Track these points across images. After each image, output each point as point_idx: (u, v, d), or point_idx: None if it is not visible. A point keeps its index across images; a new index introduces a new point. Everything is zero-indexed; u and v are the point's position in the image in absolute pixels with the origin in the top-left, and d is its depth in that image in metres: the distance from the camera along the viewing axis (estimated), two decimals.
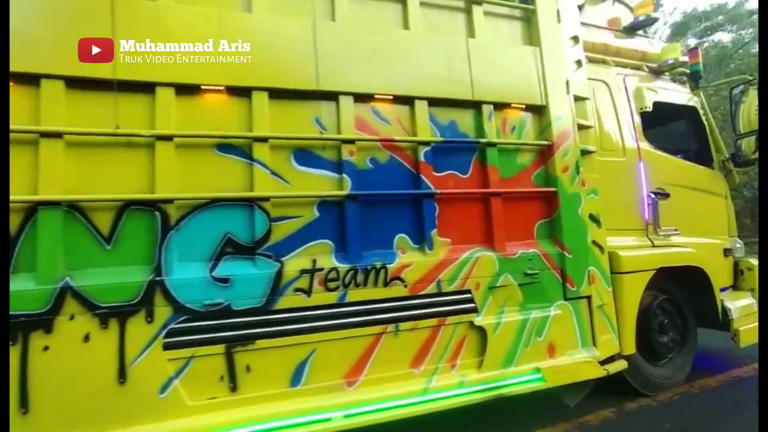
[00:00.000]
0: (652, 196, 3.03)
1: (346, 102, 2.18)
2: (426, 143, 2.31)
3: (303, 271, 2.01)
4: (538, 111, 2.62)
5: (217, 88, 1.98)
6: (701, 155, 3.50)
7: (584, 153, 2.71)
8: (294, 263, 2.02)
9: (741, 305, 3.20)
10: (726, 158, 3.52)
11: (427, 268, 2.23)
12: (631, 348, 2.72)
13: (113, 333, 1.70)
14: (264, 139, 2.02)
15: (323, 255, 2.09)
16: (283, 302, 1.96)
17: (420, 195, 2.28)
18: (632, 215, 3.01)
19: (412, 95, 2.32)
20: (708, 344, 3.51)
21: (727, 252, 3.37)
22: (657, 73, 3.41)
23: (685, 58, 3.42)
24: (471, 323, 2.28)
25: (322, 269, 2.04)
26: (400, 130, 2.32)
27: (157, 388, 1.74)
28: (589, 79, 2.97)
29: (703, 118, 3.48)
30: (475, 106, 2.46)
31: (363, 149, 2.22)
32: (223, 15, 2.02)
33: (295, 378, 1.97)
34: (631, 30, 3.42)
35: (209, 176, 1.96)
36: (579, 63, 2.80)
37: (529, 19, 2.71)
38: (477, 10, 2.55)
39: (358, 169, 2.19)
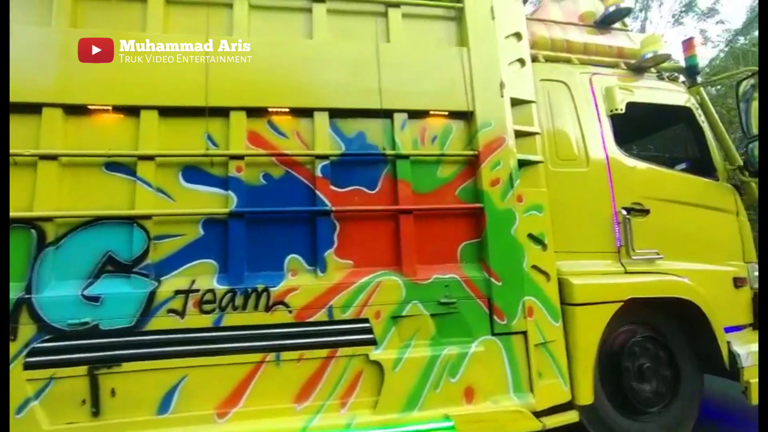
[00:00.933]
0: (623, 213, 2.53)
1: (237, 117, 2.12)
2: (324, 157, 2.16)
3: (177, 292, 1.93)
4: (466, 118, 2.34)
5: (105, 107, 2.03)
6: (702, 164, 2.89)
7: (526, 164, 2.36)
8: (172, 283, 1.96)
9: (755, 351, 2.51)
10: (736, 167, 2.86)
11: (316, 292, 2.03)
12: (587, 397, 2.23)
13: None
14: (150, 157, 2.02)
15: (205, 275, 2.00)
16: (154, 323, 1.89)
17: (314, 212, 2.11)
18: (600, 235, 2.53)
19: (311, 107, 2.19)
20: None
21: (739, 282, 2.69)
22: (638, 70, 2.91)
23: (668, 53, 2.88)
24: (367, 357, 2.02)
25: (197, 290, 1.95)
26: (299, 144, 2.19)
27: (14, 408, 1.75)
28: (542, 80, 2.64)
29: (700, 120, 2.88)
30: (387, 115, 2.26)
31: (254, 165, 2.13)
32: (118, 35, 2.08)
33: (164, 405, 1.87)
34: (602, 24, 2.98)
35: (96, 195, 1.99)
36: (522, 62, 2.48)
37: (460, 19, 2.47)
38: (394, 13, 2.38)
39: (247, 186, 2.09)
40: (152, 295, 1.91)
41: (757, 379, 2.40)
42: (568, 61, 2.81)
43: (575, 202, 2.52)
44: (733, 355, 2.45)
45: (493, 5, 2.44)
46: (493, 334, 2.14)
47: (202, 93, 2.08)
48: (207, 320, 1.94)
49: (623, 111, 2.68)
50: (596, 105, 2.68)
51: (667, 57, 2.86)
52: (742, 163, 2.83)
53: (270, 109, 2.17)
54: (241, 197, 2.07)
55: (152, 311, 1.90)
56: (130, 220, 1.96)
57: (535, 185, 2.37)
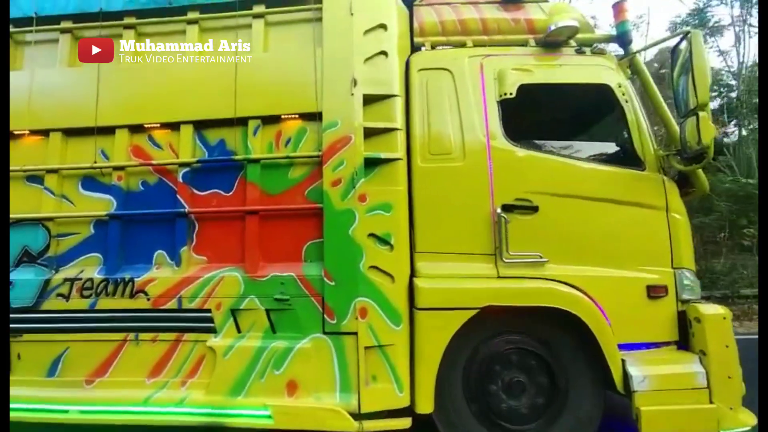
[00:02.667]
0: (498, 211, 2.27)
1: (121, 133, 2.50)
2: (186, 164, 2.42)
3: (66, 279, 2.39)
4: (315, 119, 2.37)
5: (23, 131, 2.57)
6: (625, 151, 2.41)
7: (381, 162, 2.30)
8: (65, 272, 2.42)
9: (659, 374, 2.06)
10: (668, 154, 2.33)
11: (170, 283, 2.31)
12: (427, 406, 2.11)
13: None
14: (54, 170, 2.51)
15: (91, 267, 2.43)
16: (47, 304, 2.38)
17: (173, 214, 2.39)
18: (477, 235, 2.31)
19: (177, 120, 2.46)
20: None
21: (654, 291, 2.21)
22: (551, 45, 2.53)
23: (573, 23, 2.43)
24: (206, 343, 2.24)
25: (80, 279, 2.38)
26: (171, 154, 2.48)
27: None
28: (421, 70, 2.50)
29: (622, 98, 2.39)
30: (242, 122, 2.42)
31: (134, 174, 2.49)
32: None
33: (51, 370, 2.35)
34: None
35: (20, 202, 2.53)
36: (385, 54, 2.39)
37: (320, 20, 2.49)
38: (257, 24, 2.51)
39: (125, 192, 2.46)
40: (47, 281, 2.39)
41: (650, 407, 1.99)
42: (462, 44, 2.60)
43: (448, 200, 2.35)
44: (627, 376, 2.06)
45: (353, 1, 2.41)
46: (324, 333, 2.17)
47: (93, 115, 2.50)
48: (85, 303, 2.36)
49: (513, 95, 2.40)
50: (484, 91, 2.44)
51: (573, 28, 2.43)
52: (676, 149, 2.30)
53: (146, 125, 2.50)
54: (120, 202, 2.45)
55: (46, 294, 2.38)
56: (38, 221, 2.48)
57: (391, 183, 2.29)
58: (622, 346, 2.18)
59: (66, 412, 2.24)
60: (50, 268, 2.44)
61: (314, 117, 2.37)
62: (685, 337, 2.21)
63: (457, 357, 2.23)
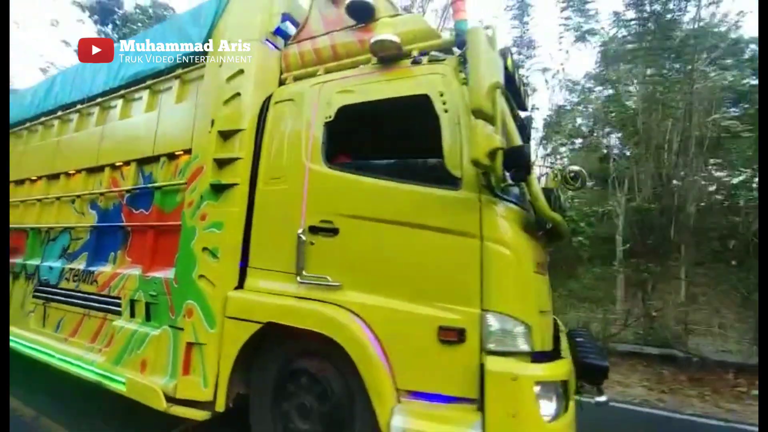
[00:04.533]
0: (299, 232, 2.34)
1: (107, 170, 3.63)
2: (127, 191, 3.34)
3: (71, 269, 3.58)
4: (190, 154, 2.94)
5: (71, 171, 3.99)
6: (440, 167, 2.11)
7: (228, 187, 2.70)
8: (72, 264, 3.64)
9: (418, 431, 1.74)
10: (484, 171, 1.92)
11: (107, 277, 3.23)
12: (220, 405, 2.34)
13: None
14: (78, 196, 3.83)
15: (82, 261, 3.58)
16: (62, 284, 3.61)
17: (117, 226, 3.33)
18: (284, 255, 2.42)
19: (128, 159, 3.42)
20: None
21: (446, 334, 1.87)
22: (388, 61, 2.45)
23: (388, 37, 2.24)
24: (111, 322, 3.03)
25: (76, 269, 3.54)
26: (123, 182, 3.47)
27: None
28: (276, 102, 2.81)
29: (441, 108, 2.10)
30: (156, 159, 3.19)
31: (109, 198, 3.56)
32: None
33: (56, 328, 3.56)
34: (353, 18, 2.64)
35: (67, 216, 3.94)
36: (239, 95, 2.80)
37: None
38: (175, 83, 3.28)
39: (102, 210, 3.55)
40: (63, 269, 3.64)
41: None
42: (314, 74, 2.78)
43: (275, 220, 2.56)
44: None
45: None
46: (169, 326, 2.67)
47: (95, 156, 3.72)
48: (73, 286, 3.50)
49: (332, 118, 2.46)
50: (314, 117, 2.57)
51: (390, 43, 2.30)
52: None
53: (116, 164, 3.56)
54: (99, 217, 3.55)
55: (62, 278, 3.62)
56: (68, 229, 3.80)
57: (228, 206, 2.66)
58: (414, 394, 1.95)
59: (52, 357, 3.37)
60: (68, 260, 3.70)
61: (189, 152, 2.97)
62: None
63: (268, 369, 2.39)
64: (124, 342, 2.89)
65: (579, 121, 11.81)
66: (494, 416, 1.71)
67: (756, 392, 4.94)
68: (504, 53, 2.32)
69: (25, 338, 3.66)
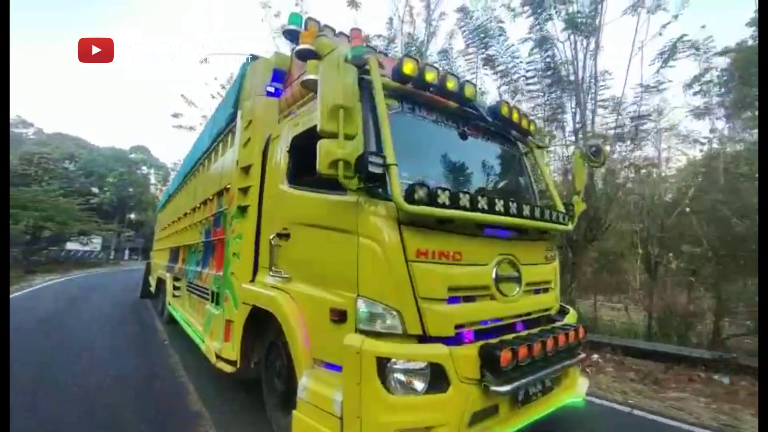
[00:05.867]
0: (270, 237, 3.07)
1: (207, 202, 5.29)
2: (213, 216, 4.83)
3: (187, 269, 5.39)
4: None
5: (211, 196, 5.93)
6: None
7: (244, 208, 3.72)
8: (188, 267, 5.45)
9: (312, 389, 2.27)
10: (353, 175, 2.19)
11: (204, 275, 4.77)
12: (238, 363, 3.31)
13: None
14: (199, 221, 5.68)
15: (200, 265, 5.32)
16: (186, 280, 5.47)
17: (208, 241, 4.85)
18: (267, 255, 3.16)
19: (212, 194, 4.92)
20: None
21: (334, 314, 2.29)
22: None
23: (306, 76, 2.63)
24: (209, 310, 4.47)
25: (188, 270, 5.30)
26: (212, 211, 4.99)
27: None
28: (273, 139, 3.69)
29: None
30: (221, 192, 4.53)
31: (207, 221, 5.18)
32: None
33: (192, 308, 5.38)
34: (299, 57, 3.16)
35: (191, 236, 5.89)
36: (249, 140, 3.79)
37: None
38: (229, 138, 4.57)
39: (206, 230, 5.19)
40: (189, 270, 5.49)
41: (301, 415, 2.30)
42: (290, 113, 3.51)
43: (266, 230, 3.41)
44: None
45: (241, 112, 3.99)
46: (222, 308, 3.85)
47: (203, 193, 5.45)
48: (196, 282, 5.24)
49: (288, 147, 3.12)
50: (283, 146, 3.29)
51: (310, 81, 2.75)
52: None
53: (210, 197, 5.14)
54: (204, 235, 5.21)
55: (188, 275, 5.48)
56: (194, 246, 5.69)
57: (247, 221, 3.65)
58: (322, 363, 2.45)
59: (189, 327, 5.15)
60: (196, 266, 5.53)
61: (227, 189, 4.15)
62: None
63: (263, 341, 3.25)
64: (207, 318, 4.28)
65: None
66: (346, 383, 2.04)
67: None
68: (401, 61, 2.55)
69: (182, 315, 5.67)
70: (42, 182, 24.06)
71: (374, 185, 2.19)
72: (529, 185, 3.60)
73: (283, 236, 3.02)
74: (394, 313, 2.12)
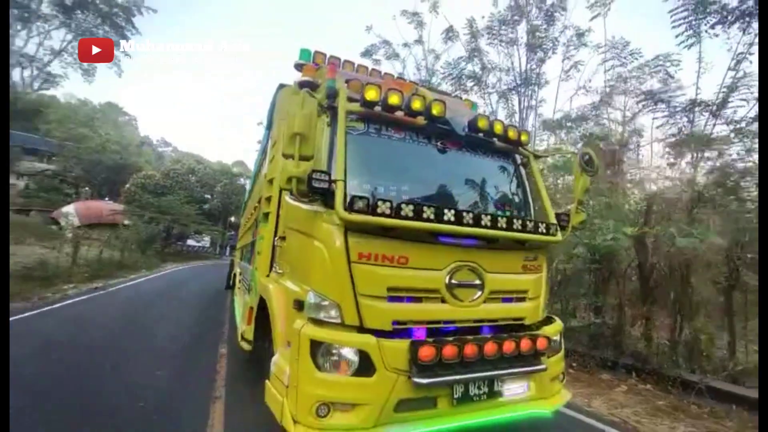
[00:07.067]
0: (274, 239, 3.68)
1: (257, 206, 6.28)
2: (255, 219, 5.74)
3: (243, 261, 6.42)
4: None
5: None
6: None
7: (267, 214, 4.45)
8: (242, 264, 6.48)
9: (275, 362, 2.75)
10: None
11: (247, 269, 5.68)
12: (251, 343, 3.99)
13: None
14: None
15: (249, 261, 6.32)
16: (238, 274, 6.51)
17: (254, 240, 5.78)
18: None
19: (258, 199, 5.85)
20: None
21: (295, 304, 2.72)
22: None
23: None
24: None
25: (245, 265, 6.31)
26: (257, 214, 5.93)
27: None
28: None
29: None
30: (260, 199, 5.39)
31: (253, 224, 6.15)
32: None
33: (243, 297, 6.42)
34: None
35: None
36: (273, 157, 4.52)
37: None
38: (266, 157, 5.44)
39: (254, 230, 6.16)
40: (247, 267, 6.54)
41: (270, 384, 2.78)
42: None
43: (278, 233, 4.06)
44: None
45: (270, 134, 4.77)
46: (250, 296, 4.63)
47: (259, 193, 6.47)
48: (239, 272, 6.24)
49: None
50: None
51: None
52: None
53: (257, 204, 6.10)
54: (252, 234, 6.20)
55: (247, 270, 6.53)
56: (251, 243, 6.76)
57: (268, 225, 4.33)
58: (289, 345, 2.91)
59: (237, 311, 6.15)
60: (248, 262, 6.57)
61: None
62: None
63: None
64: (243, 305, 5.13)
65: None
66: (291, 359, 2.47)
67: None
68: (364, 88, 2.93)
69: (236, 302, 6.77)
70: (174, 192, 30.14)
71: (320, 198, 2.59)
72: (518, 194, 3.59)
73: (282, 239, 3.61)
74: (335, 305, 2.49)
